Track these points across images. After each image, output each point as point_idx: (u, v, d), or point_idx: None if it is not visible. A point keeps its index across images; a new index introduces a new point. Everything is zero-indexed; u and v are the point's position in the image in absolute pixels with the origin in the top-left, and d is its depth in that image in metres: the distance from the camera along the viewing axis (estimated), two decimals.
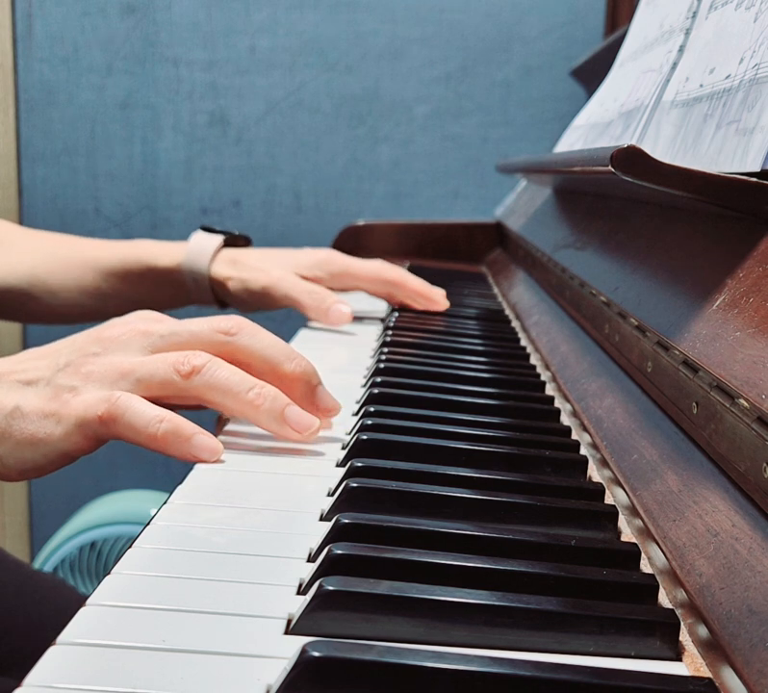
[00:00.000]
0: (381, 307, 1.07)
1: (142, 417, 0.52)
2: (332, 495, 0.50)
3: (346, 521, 0.43)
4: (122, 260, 1.00)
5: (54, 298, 0.99)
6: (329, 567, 0.39)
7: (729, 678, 0.33)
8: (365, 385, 0.72)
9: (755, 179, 0.48)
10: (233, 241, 1.02)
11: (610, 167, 0.51)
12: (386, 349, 0.80)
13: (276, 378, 0.58)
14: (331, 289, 0.98)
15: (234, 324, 0.59)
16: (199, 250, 0.99)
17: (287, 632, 0.36)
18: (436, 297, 1.00)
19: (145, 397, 0.54)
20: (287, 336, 0.86)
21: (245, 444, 0.58)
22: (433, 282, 1.03)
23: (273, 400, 0.56)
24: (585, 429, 0.62)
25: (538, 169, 1.01)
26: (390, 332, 0.87)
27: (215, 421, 0.64)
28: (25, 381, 0.56)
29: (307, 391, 0.59)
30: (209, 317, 0.61)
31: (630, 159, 0.50)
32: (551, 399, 0.69)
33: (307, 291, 0.93)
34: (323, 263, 0.99)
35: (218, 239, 1.00)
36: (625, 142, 0.57)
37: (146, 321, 0.59)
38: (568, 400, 0.68)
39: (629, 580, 0.40)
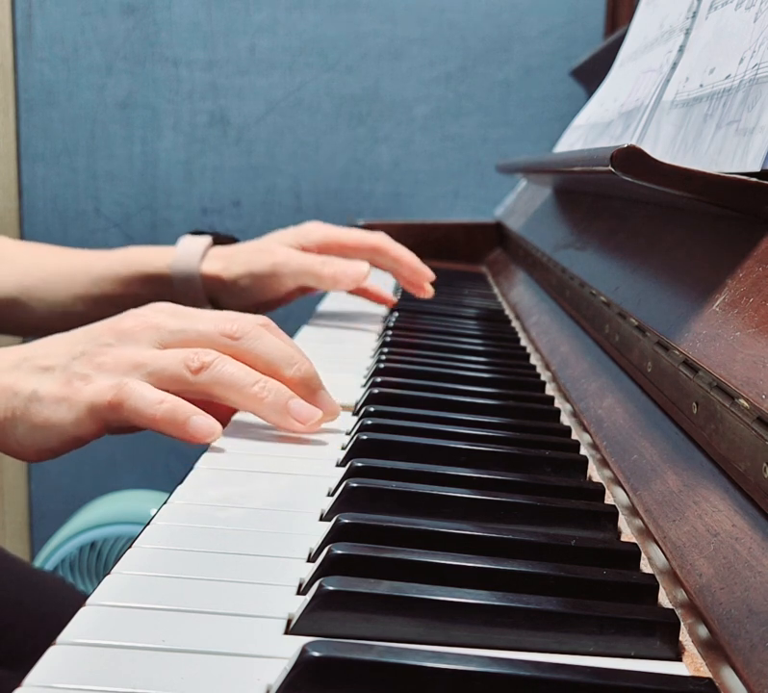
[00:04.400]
0: (382, 308, 1.07)
1: (145, 399, 0.55)
2: (332, 495, 0.50)
3: (346, 521, 0.43)
4: (111, 265, 0.99)
5: (45, 307, 0.99)
6: (329, 567, 0.39)
7: (730, 678, 0.33)
8: (365, 385, 0.72)
9: (754, 179, 0.48)
10: (220, 241, 1.03)
11: (610, 167, 0.51)
12: (386, 349, 0.80)
13: (279, 381, 0.60)
14: None
15: (239, 328, 0.60)
16: (188, 251, 0.99)
17: (287, 632, 0.36)
18: (420, 267, 1.00)
19: None
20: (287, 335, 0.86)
21: (245, 444, 0.58)
22: (433, 282, 1.03)
23: (277, 393, 0.58)
24: (585, 429, 0.62)
25: (538, 169, 1.01)
26: (390, 332, 0.87)
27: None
28: (43, 367, 0.58)
29: (307, 394, 0.60)
30: (220, 313, 0.62)
31: (630, 159, 0.50)
32: (551, 399, 0.69)
33: (319, 261, 0.93)
34: (308, 234, 0.99)
35: (206, 239, 1.00)
36: (625, 142, 0.57)
37: (159, 314, 0.61)
38: (568, 400, 0.68)
39: (629, 580, 0.40)
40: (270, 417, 0.59)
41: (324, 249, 0.99)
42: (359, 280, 0.93)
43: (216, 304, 1.02)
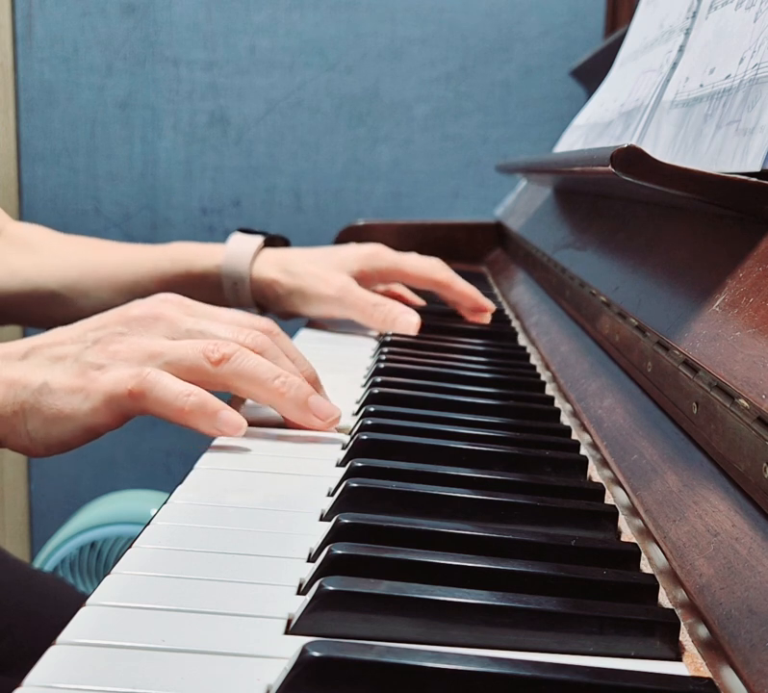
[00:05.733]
0: None
1: (171, 390, 0.54)
2: (332, 495, 0.50)
3: (346, 521, 0.43)
4: (158, 263, 0.97)
5: (86, 300, 0.96)
6: (329, 567, 0.39)
7: (729, 678, 0.33)
8: (365, 385, 0.72)
9: (755, 179, 0.48)
10: (271, 241, 1.00)
11: (610, 167, 0.51)
12: (386, 349, 0.80)
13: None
14: (380, 283, 0.97)
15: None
16: (239, 251, 0.95)
17: (287, 632, 0.36)
18: (484, 303, 0.98)
19: None
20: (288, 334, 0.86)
21: (246, 443, 0.58)
22: None
23: (298, 389, 0.58)
24: (585, 429, 0.62)
25: (538, 169, 1.01)
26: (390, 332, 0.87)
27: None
28: (53, 358, 0.57)
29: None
30: (230, 314, 0.62)
31: (630, 159, 0.50)
32: (551, 399, 0.69)
33: (372, 304, 0.91)
34: (371, 259, 0.96)
35: (258, 239, 0.97)
36: (625, 142, 0.57)
37: (168, 306, 0.61)
38: (568, 400, 0.68)
39: (629, 580, 0.40)
40: (291, 412, 0.59)
41: (387, 277, 0.97)
42: (407, 331, 0.90)
43: (264, 310, 0.99)
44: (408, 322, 0.90)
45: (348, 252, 0.97)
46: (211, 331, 0.60)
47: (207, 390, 0.56)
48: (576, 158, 0.68)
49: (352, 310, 0.91)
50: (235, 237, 0.97)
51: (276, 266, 0.95)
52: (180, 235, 1.80)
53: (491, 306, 0.99)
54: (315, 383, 0.63)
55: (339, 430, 0.62)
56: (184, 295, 0.96)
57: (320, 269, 0.94)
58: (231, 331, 0.60)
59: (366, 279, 0.96)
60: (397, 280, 0.98)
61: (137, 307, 0.60)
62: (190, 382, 0.56)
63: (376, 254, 0.97)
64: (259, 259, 0.96)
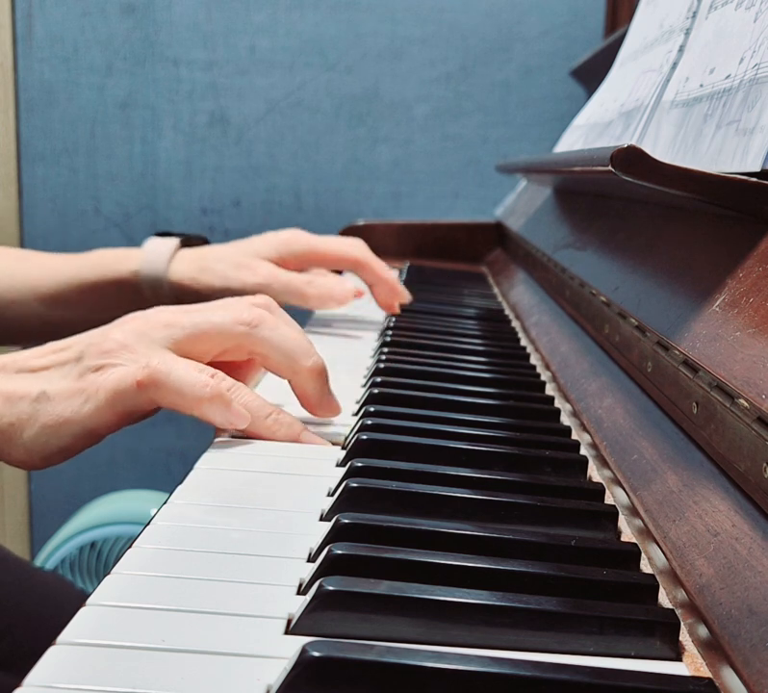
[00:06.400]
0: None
1: (188, 379, 0.54)
2: (332, 495, 0.50)
3: (346, 521, 0.43)
4: (78, 270, 0.94)
5: (12, 310, 0.94)
6: (329, 567, 0.39)
7: (730, 678, 0.33)
8: (365, 385, 0.72)
9: (755, 179, 0.48)
10: (188, 242, 0.98)
11: (610, 167, 0.51)
12: (386, 349, 0.80)
13: (292, 372, 0.60)
14: (298, 270, 0.95)
15: (256, 317, 0.59)
16: (155, 254, 0.93)
17: (287, 632, 0.36)
18: (398, 287, 0.97)
19: None
20: None
21: (246, 443, 0.58)
22: (433, 282, 1.03)
23: (289, 427, 0.58)
24: (585, 429, 0.62)
25: (538, 169, 1.01)
26: (390, 332, 0.87)
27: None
28: (48, 367, 0.57)
29: (321, 385, 0.61)
30: (235, 299, 0.62)
31: (630, 159, 0.50)
32: (551, 399, 0.69)
33: (304, 281, 0.90)
34: (287, 243, 0.95)
35: (174, 241, 0.95)
36: (625, 142, 0.57)
37: (161, 309, 0.60)
38: (568, 400, 0.68)
39: (629, 580, 0.40)
40: (310, 386, 0.60)
41: (304, 261, 0.95)
42: (345, 301, 0.90)
43: None
44: (345, 291, 0.90)
45: (264, 239, 0.96)
46: (208, 319, 0.58)
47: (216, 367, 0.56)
48: (576, 158, 0.68)
49: (285, 293, 0.90)
50: (150, 240, 0.95)
51: (193, 264, 0.93)
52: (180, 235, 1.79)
53: (405, 295, 0.98)
54: (325, 369, 0.62)
55: (334, 444, 0.61)
56: (105, 300, 0.94)
57: (240, 260, 0.92)
58: (230, 314, 0.59)
59: (285, 264, 0.94)
60: (316, 262, 0.96)
61: (133, 320, 0.59)
62: (201, 354, 0.56)
63: (292, 238, 0.96)
64: (175, 260, 0.94)
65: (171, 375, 0.54)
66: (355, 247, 0.96)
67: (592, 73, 1.36)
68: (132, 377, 0.54)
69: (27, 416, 0.55)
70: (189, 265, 0.93)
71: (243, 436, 0.58)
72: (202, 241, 1.01)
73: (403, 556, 0.39)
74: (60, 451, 0.56)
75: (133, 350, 0.56)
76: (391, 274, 0.97)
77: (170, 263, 0.93)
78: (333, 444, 0.60)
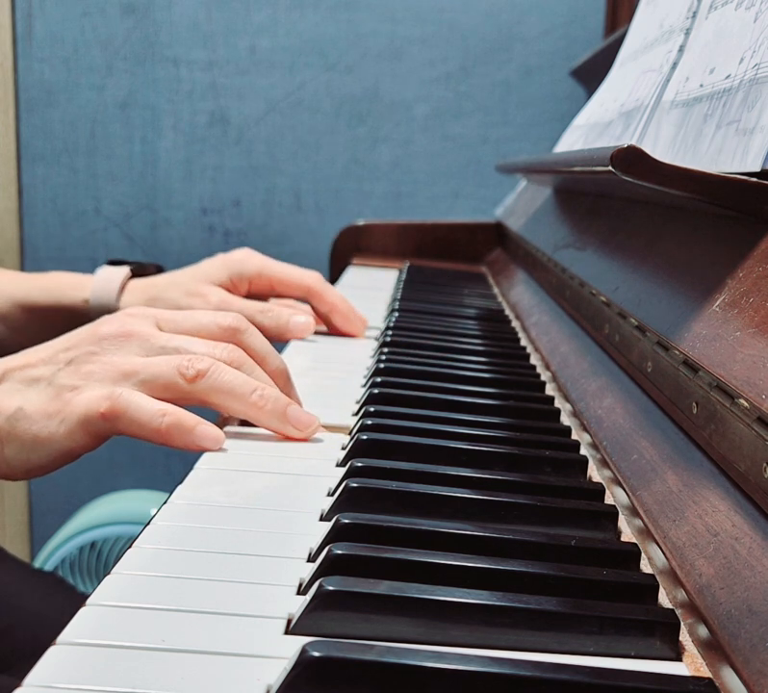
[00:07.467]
0: (382, 307, 1.07)
1: (146, 412, 0.54)
2: (332, 495, 0.50)
3: (346, 521, 0.43)
4: (29, 292, 0.92)
5: None
6: (329, 567, 0.39)
7: (729, 678, 0.33)
8: (365, 385, 0.72)
9: (755, 179, 0.48)
10: (142, 270, 0.95)
11: (610, 167, 0.51)
12: (386, 349, 0.80)
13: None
14: (253, 295, 0.91)
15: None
16: (105, 284, 0.90)
17: (287, 632, 0.36)
18: (353, 318, 0.92)
19: None
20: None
21: (245, 444, 0.58)
22: (433, 282, 1.03)
23: (275, 401, 0.58)
24: (585, 429, 0.62)
25: (538, 169, 1.01)
26: (390, 332, 0.87)
27: (217, 423, 0.64)
28: (26, 381, 0.57)
29: (285, 386, 0.62)
30: (199, 312, 0.63)
31: (630, 159, 0.50)
32: (551, 399, 0.69)
33: (258, 311, 0.86)
34: (238, 265, 0.90)
35: (124, 270, 0.92)
36: (625, 142, 0.57)
37: (141, 322, 0.60)
38: (568, 400, 0.68)
39: (629, 580, 0.40)
40: (269, 424, 0.58)
41: (257, 284, 0.91)
42: (303, 333, 0.86)
43: None
44: (299, 324, 0.86)
45: (213, 263, 0.92)
46: (185, 347, 0.59)
47: (183, 406, 0.56)
48: (576, 158, 0.68)
49: None
50: (101, 270, 0.93)
51: (143, 294, 0.90)
52: (180, 235, 1.80)
53: (362, 322, 0.93)
54: (286, 381, 0.62)
55: (338, 430, 0.62)
56: (54, 326, 0.89)
57: (190, 287, 0.88)
58: (205, 346, 0.59)
59: (237, 289, 0.91)
60: (267, 286, 0.91)
61: (107, 324, 0.59)
62: (165, 400, 0.55)
63: (243, 260, 0.91)
64: (126, 291, 0.91)
65: (130, 407, 0.54)
66: (309, 276, 0.92)
67: (592, 73, 1.36)
68: (96, 407, 0.54)
69: (6, 432, 0.55)
70: (139, 295, 0.91)
71: (248, 423, 0.59)
72: (157, 269, 0.99)
73: (403, 556, 0.39)
74: (40, 467, 0.56)
75: (107, 371, 0.56)
76: (346, 301, 0.92)
77: (121, 295, 0.91)
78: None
